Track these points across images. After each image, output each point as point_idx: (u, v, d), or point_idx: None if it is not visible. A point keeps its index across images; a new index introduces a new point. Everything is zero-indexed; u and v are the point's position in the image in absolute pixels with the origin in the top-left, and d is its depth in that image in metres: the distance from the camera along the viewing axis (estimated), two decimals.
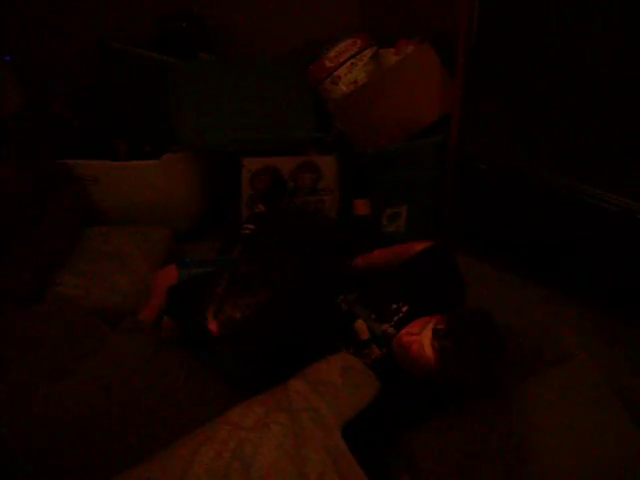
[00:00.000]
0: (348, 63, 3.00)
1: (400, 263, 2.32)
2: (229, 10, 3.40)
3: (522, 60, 2.57)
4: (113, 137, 3.12)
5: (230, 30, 3.41)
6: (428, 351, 1.82)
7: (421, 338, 1.86)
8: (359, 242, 2.60)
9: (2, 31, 3.25)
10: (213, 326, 1.81)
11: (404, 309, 2.08)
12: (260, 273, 1.92)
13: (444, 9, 2.84)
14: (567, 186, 2.62)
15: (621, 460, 1.80)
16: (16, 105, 3.13)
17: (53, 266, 2.62)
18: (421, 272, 2.24)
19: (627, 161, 2.42)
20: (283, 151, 3.00)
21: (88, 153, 3.00)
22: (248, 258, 2.40)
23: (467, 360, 1.81)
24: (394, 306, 2.10)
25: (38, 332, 2.20)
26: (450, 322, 1.86)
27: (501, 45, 2.61)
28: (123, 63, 3.04)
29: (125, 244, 2.84)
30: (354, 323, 2.10)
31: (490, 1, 2.53)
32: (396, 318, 2.07)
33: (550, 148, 2.65)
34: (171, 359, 2.04)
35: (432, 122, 2.96)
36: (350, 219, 2.98)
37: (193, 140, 2.86)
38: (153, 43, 3.16)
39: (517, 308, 2.59)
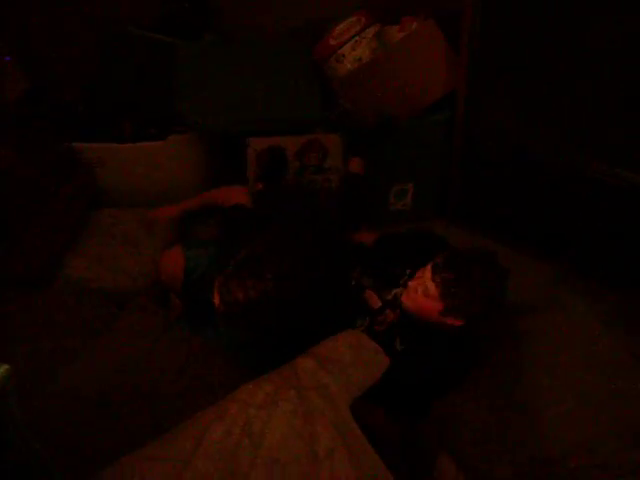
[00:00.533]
0: (352, 41, 2.97)
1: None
2: None
3: (528, 36, 2.54)
4: (118, 120, 3.10)
5: (234, 10, 3.37)
6: (431, 287, 1.90)
7: (423, 279, 1.94)
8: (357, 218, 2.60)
9: (2, 31, 3.24)
10: (216, 300, 1.84)
11: (408, 271, 2.13)
12: (270, 256, 1.91)
13: None
14: (575, 162, 2.60)
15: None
16: (20, 90, 3.13)
17: (61, 250, 2.62)
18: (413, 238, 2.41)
19: (635, 136, 2.39)
20: (289, 130, 2.98)
21: (94, 136, 2.99)
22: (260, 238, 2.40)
23: (469, 287, 1.88)
24: (398, 270, 2.17)
25: (48, 315, 2.22)
26: (448, 256, 1.95)
27: (506, 21, 2.58)
28: (127, 45, 3.04)
29: (133, 226, 2.86)
30: (364, 294, 2.16)
31: None
32: (402, 281, 2.13)
33: (557, 124, 2.62)
34: (180, 338, 2.06)
35: (437, 99, 2.94)
36: (344, 175, 2.96)
37: (198, 121, 2.85)
38: (157, 25, 3.14)
39: (522, 284, 2.58)
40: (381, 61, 2.92)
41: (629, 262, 2.56)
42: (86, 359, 1.98)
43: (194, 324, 2.24)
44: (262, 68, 2.98)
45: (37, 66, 3.19)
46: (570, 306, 2.29)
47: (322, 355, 1.72)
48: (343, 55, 2.98)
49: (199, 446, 1.42)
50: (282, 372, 1.66)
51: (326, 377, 1.62)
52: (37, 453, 1.24)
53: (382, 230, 2.75)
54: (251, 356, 2.11)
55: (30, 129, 2.84)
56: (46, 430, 1.64)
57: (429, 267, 1.94)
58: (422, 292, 1.94)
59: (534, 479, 1.75)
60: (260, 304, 1.78)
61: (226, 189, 2.65)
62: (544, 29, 2.46)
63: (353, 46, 2.96)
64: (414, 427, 1.98)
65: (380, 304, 2.15)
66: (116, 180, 3.03)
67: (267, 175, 2.96)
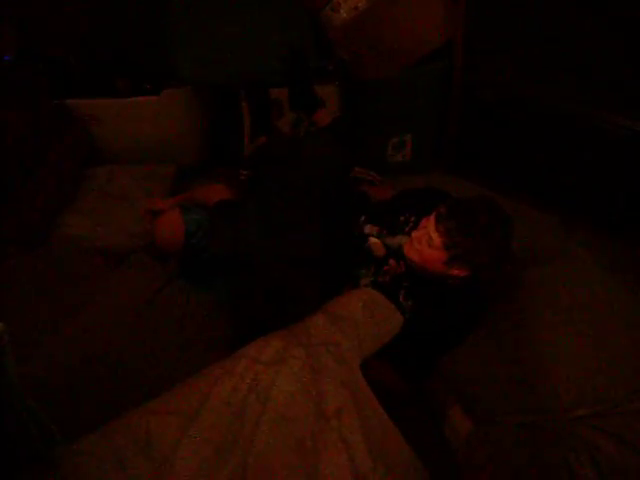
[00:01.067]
0: None
1: None
2: None
3: None
4: (113, 75, 3.06)
5: None
6: (435, 237, 1.88)
7: (427, 229, 1.91)
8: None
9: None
10: None
11: (412, 219, 2.12)
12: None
13: None
14: (573, 111, 2.58)
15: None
16: (12, 48, 3.07)
17: (56, 208, 2.61)
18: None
19: (632, 85, 2.37)
20: (284, 82, 2.94)
21: (88, 92, 2.95)
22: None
23: (473, 235, 1.85)
24: (402, 218, 2.15)
25: (44, 274, 2.21)
26: (451, 205, 1.91)
27: None
28: None
29: (128, 183, 2.84)
30: (367, 243, 2.15)
31: None
32: (407, 229, 2.11)
33: (556, 74, 2.59)
34: (177, 294, 2.06)
35: (435, 48, 2.89)
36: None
37: (192, 75, 2.80)
38: None
39: (522, 234, 2.58)
40: (378, 9, 2.87)
41: (630, 210, 2.55)
42: (85, 316, 1.98)
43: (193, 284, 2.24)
44: (256, 19, 2.92)
45: (30, 23, 3.12)
46: (574, 255, 2.29)
47: (334, 312, 1.71)
48: (339, 4, 2.91)
49: (206, 401, 1.42)
50: (293, 329, 1.65)
51: (337, 335, 1.61)
52: (34, 411, 1.24)
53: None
54: (252, 309, 2.11)
55: (23, 87, 2.80)
56: (45, 392, 1.66)
57: (432, 217, 1.92)
58: (426, 242, 1.92)
59: (542, 428, 1.75)
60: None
61: (206, 189, 2.58)
62: None
63: None
64: (421, 383, 1.99)
65: (384, 252, 2.14)
66: (111, 136, 3.01)
67: (257, 121, 2.93)
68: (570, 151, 2.65)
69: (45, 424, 1.28)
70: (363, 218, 2.22)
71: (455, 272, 1.92)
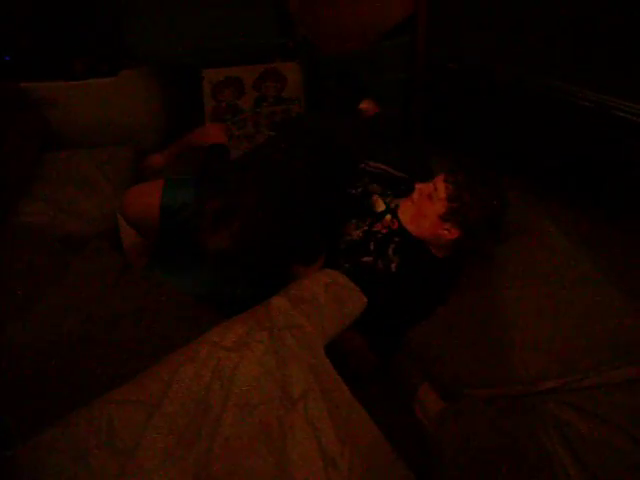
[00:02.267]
0: None
1: None
2: None
3: None
4: (68, 56, 2.99)
5: None
6: (441, 187, 2.02)
7: (434, 181, 2.05)
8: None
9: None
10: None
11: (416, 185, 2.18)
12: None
13: None
14: (538, 82, 2.56)
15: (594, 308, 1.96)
16: None
17: (13, 195, 2.54)
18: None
19: (599, 55, 2.36)
20: (245, 60, 2.90)
21: (43, 75, 2.88)
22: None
23: (478, 195, 1.98)
24: (406, 184, 2.25)
25: (0, 263, 2.15)
26: (463, 166, 2.08)
27: None
28: None
29: (88, 167, 2.78)
30: (370, 199, 2.24)
31: None
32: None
33: (519, 44, 2.57)
34: (138, 281, 2.03)
35: (398, 22, 2.86)
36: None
37: (148, 53, 2.76)
38: None
39: None
40: None
41: (600, 185, 2.56)
42: (41, 306, 1.93)
43: (168, 267, 2.19)
44: None
45: None
46: (542, 229, 2.30)
47: (296, 295, 1.70)
48: None
49: (168, 389, 1.40)
50: (255, 313, 1.63)
51: (300, 317, 1.60)
52: None
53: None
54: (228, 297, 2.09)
55: None
56: (6, 382, 1.64)
57: (443, 173, 2.06)
58: (427, 195, 2.04)
59: (511, 405, 1.77)
60: (243, 244, 1.84)
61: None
62: None
63: None
64: (390, 355, 2.00)
65: (383, 208, 2.21)
66: (69, 120, 2.93)
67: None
68: (539, 124, 2.64)
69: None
70: (369, 177, 2.32)
71: (445, 232, 2.02)
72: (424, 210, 2.04)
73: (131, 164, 2.86)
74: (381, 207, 2.21)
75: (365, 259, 2.08)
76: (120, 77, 2.87)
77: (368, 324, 1.86)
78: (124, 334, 1.84)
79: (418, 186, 2.09)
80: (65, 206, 2.56)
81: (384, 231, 2.13)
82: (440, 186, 2.01)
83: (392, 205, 2.20)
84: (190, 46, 2.80)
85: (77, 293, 1.97)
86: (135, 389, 1.42)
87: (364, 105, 2.82)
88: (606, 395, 1.78)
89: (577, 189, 2.60)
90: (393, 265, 2.06)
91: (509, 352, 1.89)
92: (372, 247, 2.10)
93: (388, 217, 2.17)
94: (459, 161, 2.13)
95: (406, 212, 2.12)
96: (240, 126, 3.01)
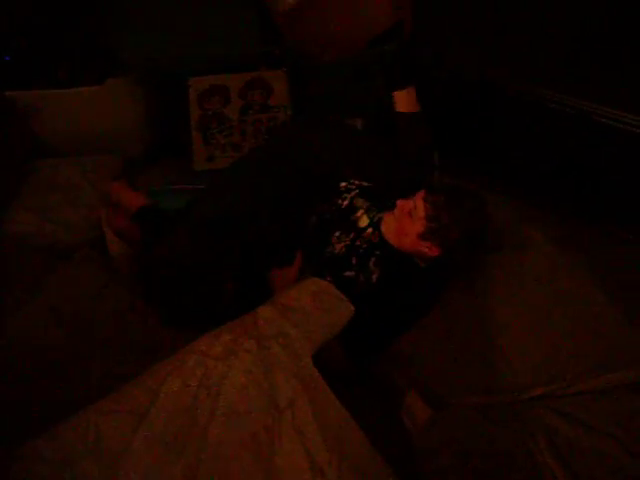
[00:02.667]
0: None
1: None
2: None
3: None
4: (52, 65, 2.98)
5: None
6: (420, 206, 1.99)
7: (414, 198, 2.02)
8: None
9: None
10: None
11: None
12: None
13: None
14: (524, 89, 2.58)
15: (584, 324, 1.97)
16: None
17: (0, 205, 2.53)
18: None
19: (583, 63, 2.38)
20: (230, 68, 2.90)
21: (27, 83, 2.87)
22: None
23: (455, 214, 1.96)
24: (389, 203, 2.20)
25: None
26: (443, 186, 2.15)
27: None
28: None
29: (74, 175, 2.76)
30: (355, 213, 2.21)
31: None
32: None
33: (506, 51, 2.59)
34: (123, 289, 2.03)
35: (384, 29, 2.86)
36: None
37: (134, 62, 2.76)
38: None
39: None
40: None
41: (585, 190, 2.58)
42: (27, 314, 1.93)
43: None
44: (200, 3, 2.87)
45: None
46: (529, 236, 2.32)
47: (283, 304, 1.70)
48: None
49: (155, 399, 1.40)
50: (242, 322, 1.64)
51: (287, 326, 1.60)
52: None
53: None
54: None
55: None
56: None
57: (423, 190, 2.03)
58: (408, 212, 2.01)
59: (499, 412, 1.78)
60: None
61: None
62: None
63: None
64: (369, 364, 2.01)
65: (366, 224, 2.19)
66: (54, 128, 2.92)
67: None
68: (525, 130, 2.67)
69: None
70: (357, 192, 2.28)
71: (425, 249, 2.01)
72: (405, 227, 2.03)
73: (117, 173, 2.84)
74: (364, 223, 2.20)
75: (347, 274, 2.07)
76: (106, 85, 2.86)
77: (348, 333, 1.85)
78: (110, 340, 1.85)
79: (399, 202, 2.07)
80: (51, 215, 2.54)
81: (364, 245, 2.13)
82: (419, 204, 1.99)
83: (375, 219, 2.19)
84: (176, 54, 2.80)
85: (63, 300, 1.98)
86: (122, 399, 1.43)
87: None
88: (593, 402, 1.80)
89: (562, 195, 2.62)
90: (374, 277, 2.06)
91: (497, 360, 1.91)
92: (354, 262, 2.09)
93: (369, 230, 2.16)
94: (439, 177, 2.13)
95: (389, 227, 2.12)
96: (226, 134, 3.02)
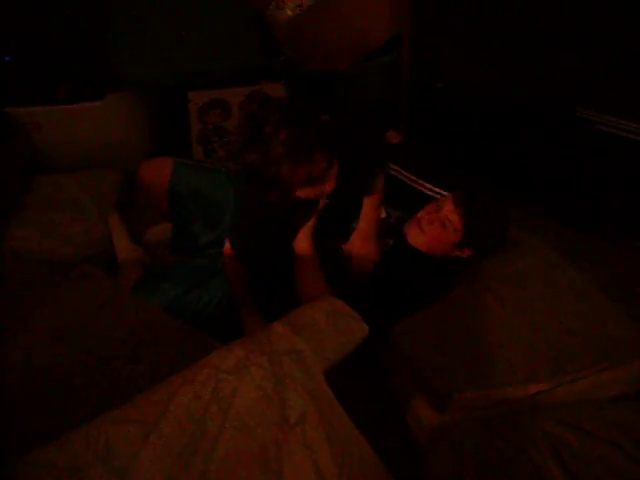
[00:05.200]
0: None
1: None
2: None
3: None
4: (52, 81, 2.98)
5: None
6: (454, 218, 2.02)
7: (443, 211, 2.06)
8: None
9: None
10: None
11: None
12: None
13: None
14: (523, 98, 2.59)
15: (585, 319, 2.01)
16: None
17: (2, 221, 2.52)
18: None
19: (583, 72, 2.40)
20: (230, 82, 2.91)
21: (28, 100, 2.87)
22: None
23: (490, 219, 2.05)
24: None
25: None
26: (469, 190, 2.10)
27: None
28: None
29: (75, 191, 2.76)
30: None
31: None
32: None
33: (503, 61, 2.61)
34: (126, 305, 2.03)
35: (382, 42, 2.88)
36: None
37: (136, 77, 2.76)
38: None
39: None
40: (323, 6, 2.85)
41: (582, 198, 2.59)
42: (27, 329, 1.92)
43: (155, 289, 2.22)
44: (198, 16, 2.88)
45: None
46: (524, 242, 2.35)
47: (297, 321, 1.70)
48: (283, 1, 2.89)
49: (166, 410, 1.39)
50: (255, 337, 1.64)
51: (300, 343, 1.60)
52: None
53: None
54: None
55: None
56: None
57: (450, 199, 2.06)
58: (440, 224, 2.04)
59: (505, 422, 1.78)
60: None
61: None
62: None
63: None
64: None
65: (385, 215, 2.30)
66: (55, 144, 2.93)
67: None
68: (524, 139, 2.67)
69: None
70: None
71: (457, 253, 2.08)
72: (438, 237, 2.06)
73: (118, 188, 2.84)
74: (383, 214, 2.29)
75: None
76: (106, 101, 2.86)
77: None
78: (114, 356, 1.83)
79: (422, 215, 2.11)
80: (52, 230, 2.53)
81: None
82: (453, 217, 2.02)
83: (392, 215, 2.30)
84: (175, 69, 2.81)
85: (66, 316, 1.97)
86: (133, 409, 1.42)
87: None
88: (598, 410, 1.80)
89: (559, 202, 2.63)
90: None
91: (498, 355, 1.92)
92: None
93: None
94: (462, 181, 2.14)
95: (416, 238, 2.13)
96: (227, 148, 3.02)
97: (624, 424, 1.73)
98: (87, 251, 2.48)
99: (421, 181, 2.44)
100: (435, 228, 2.04)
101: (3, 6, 2.93)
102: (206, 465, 1.32)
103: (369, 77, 2.97)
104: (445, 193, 2.35)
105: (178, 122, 2.97)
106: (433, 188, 2.40)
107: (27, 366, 1.78)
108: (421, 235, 2.09)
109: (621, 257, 2.45)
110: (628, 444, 1.65)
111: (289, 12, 2.92)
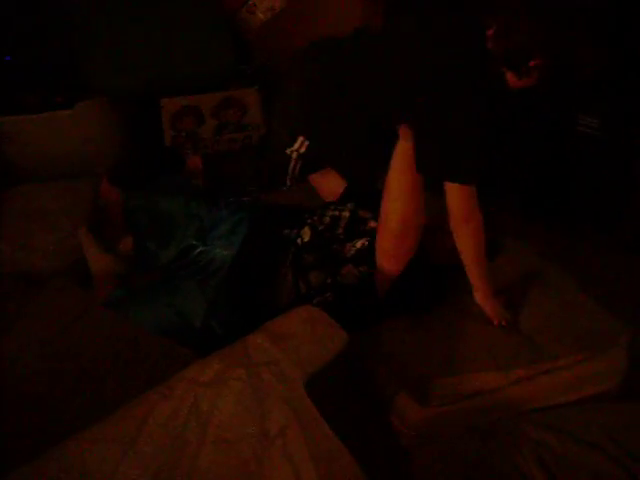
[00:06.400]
0: None
1: None
2: None
3: None
4: (21, 89, 2.94)
5: None
6: None
7: None
8: None
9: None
10: None
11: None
12: None
13: None
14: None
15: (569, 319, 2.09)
16: None
17: None
18: None
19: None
20: (203, 88, 2.88)
21: None
22: None
23: None
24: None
25: None
26: None
27: None
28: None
29: (48, 202, 2.71)
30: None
31: None
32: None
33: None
34: (102, 316, 2.02)
35: None
36: None
37: (104, 85, 2.73)
38: None
39: None
40: (294, 9, 2.85)
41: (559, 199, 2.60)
42: (7, 344, 1.90)
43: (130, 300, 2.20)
44: (169, 22, 2.86)
45: None
46: (506, 245, 2.40)
47: (274, 331, 1.70)
48: (254, 5, 2.88)
49: (143, 427, 1.38)
50: (232, 349, 1.64)
51: (278, 353, 1.60)
52: None
53: None
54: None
55: None
56: None
57: None
58: None
59: (490, 429, 1.79)
60: None
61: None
62: None
63: None
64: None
65: None
66: (26, 154, 2.87)
67: None
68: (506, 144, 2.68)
69: None
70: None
71: None
72: None
73: (90, 197, 2.80)
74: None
75: None
76: (76, 110, 2.82)
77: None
78: (92, 369, 1.81)
79: None
80: (25, 242, 2.48)
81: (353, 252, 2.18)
82: None
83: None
84: (147, 76, 2.78)
85: (42, 329, 1.95)
86: (109, 427, 1.41)
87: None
88: (580, 413, 1.83)
89: (537, 205, 2.65)
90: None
91: (477, 342, 1.99)
92: None
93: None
94: None
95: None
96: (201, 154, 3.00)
97: (605, 426, 1.74)
98: (61, 262, 2.44)
99: None
100: None
101: None
102: None
103: None
104: None
105: (151, 129, 2.94)
106: None
107: (6, 380, 1.76)
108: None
109: (594, 255, 2.48)
110: (609, 445, 1.66)
111: (261, 16, 2.91)
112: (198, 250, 2.24)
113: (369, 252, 2.12)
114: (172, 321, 2.09)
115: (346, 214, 2.24)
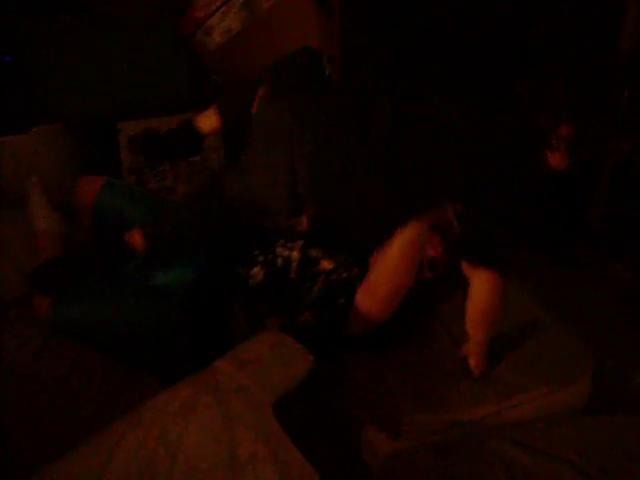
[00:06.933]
0: (220, 11, 2.86)
1: None
2: None
3: None
4: None
5: None
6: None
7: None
8: None
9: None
10: None
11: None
12: None
13: None
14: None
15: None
16: None
17: None
18: None
19: None
20: (161, 111, 2.86)
21: None
22: None
23: None
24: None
25: None
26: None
27: None
28: None
29: (4, 228, 2.65)
30: None
31: None
32: None
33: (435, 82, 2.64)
34: (63, 350, 1.98)
35: None
36: None
37: (59, 109, 2.69)
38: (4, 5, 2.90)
39: None
40: (251, 31, 2.84)
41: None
42: None
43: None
44: (124, 47, 2.85)
45: None
46: None
47: (241, 357, 1.70)
48: (211, 27, 2.87)
49: (112, 459, 1.36)
50: (199, 376, 1.62)
51: (245, 379, 1.59)
52: None
53: None
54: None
55: None
56: None
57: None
58: None
59: (458, 450, 1.79)
60: None
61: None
62: None
63: (221, 17, 2.86)
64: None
65: None
66: None
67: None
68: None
69: None
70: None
71: None
72: None
73: (49, 224, 2.74)
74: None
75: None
76: (31, 134, 2.77)
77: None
78: (56, 402, 1.79)
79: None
80: None
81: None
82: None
83: None
84: (103, 100, 2.75)
85: (3, 362, 1.92)
86: (76, 459, 1.39)
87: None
88: (549, 428, 1.83)
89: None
90: None
91: (445, 379, 2.01)
92: None
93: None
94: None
95: None
96: (159, 179, 2.97)
97: (572, 439, 1.75)
98: (16, 290, 2.36)
99: None
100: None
101: None
102: None
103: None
104: None
105: (109, 153, 2.91)
106: None
107: None
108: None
109: (562, 275, 2.50)
110: (576, 458, 1.67)
111: (218, 38, 2.90)
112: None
113: (327, 297, 2.12)
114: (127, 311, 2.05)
115: (296, 254, 2.19)
